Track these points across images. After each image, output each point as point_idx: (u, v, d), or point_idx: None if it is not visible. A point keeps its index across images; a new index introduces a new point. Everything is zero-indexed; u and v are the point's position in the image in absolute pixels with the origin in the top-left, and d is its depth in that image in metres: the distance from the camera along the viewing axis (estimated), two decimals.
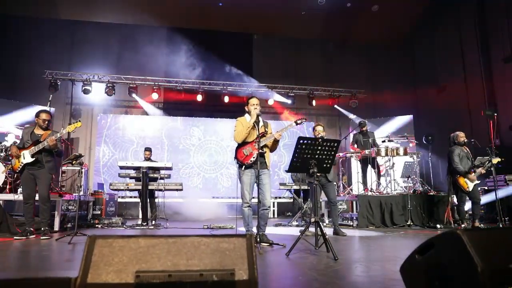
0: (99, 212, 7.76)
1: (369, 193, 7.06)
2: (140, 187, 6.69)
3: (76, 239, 4.24)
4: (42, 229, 4.77)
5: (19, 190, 5.64)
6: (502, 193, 6.60)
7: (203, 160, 10.99)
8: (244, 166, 4.05)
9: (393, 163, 7.50)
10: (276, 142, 4.19)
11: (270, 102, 11.16)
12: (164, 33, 11.64)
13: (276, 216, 10.35)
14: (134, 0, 10.44)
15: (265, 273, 2.59)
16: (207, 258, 1.17)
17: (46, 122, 4.92)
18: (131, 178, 6.98)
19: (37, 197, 4.87)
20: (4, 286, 1.13)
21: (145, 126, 10.95)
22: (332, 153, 3.58)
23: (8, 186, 5.90)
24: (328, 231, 5.33)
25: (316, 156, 3.52)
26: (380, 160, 7.73)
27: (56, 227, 5.60)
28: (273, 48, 12.25)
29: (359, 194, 6.99)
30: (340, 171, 8.88)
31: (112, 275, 1.11)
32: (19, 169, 4.79)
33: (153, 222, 6.68)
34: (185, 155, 10.90)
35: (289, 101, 11.27)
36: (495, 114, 6.35)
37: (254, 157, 3.99)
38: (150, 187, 6.74)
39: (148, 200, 6.81)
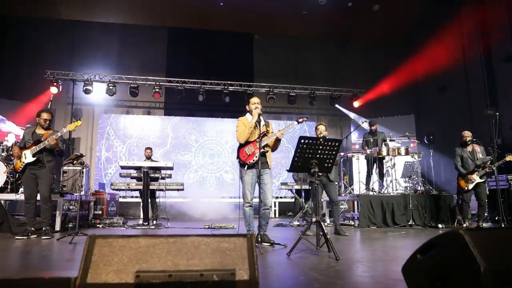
0: (100, 212, 7.77)
1: (371, 193, 7.05)
2: (141, 187, 6.70)
3: (77, 239, 4.25)
4: (43, 229, 4.77)
5: (20, 190, 5.65)
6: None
7: (204, 160, 10.99)
8: (246, 166, 4.05)
9: (394, 163, 7.47)
10: (277, 141, 4.19)
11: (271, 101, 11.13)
12: (165, 33, 11.66)
13: (277, 216, 10.34)
14: (134, 0, 10.44)
15: (266, 273, 2.58)
16: (208, 258, 1.16)
17: (47, 122, 4.92)
18: (132, 178, 6.98)
19: (38, 197, 4.87)
20: (4, 286, 1.12)
21: (146, 126, 10.96)
22: (333, 152, 3.57)
23: (9, 186, 5.90)
24: (329, 231, 5.32)
25: (317, 156, 3.51)
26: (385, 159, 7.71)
27: (57, 227, 5.61)
28: (274, 47, 12.25)
29: (360, 194, 6.98)
30: (342, 171, 8.86)
31: (112, 275, 1.10)
32: (21, 169, 4.79)
33: (154, 222, 6.68)
34: (186, 155, 10.90)
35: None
36: (497, 114, 6.32)
37: (256, 157, 3.98)
38: (151, 187, 6.74)
39: (149, 200, 6.82)
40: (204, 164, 10.98)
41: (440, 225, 6.31)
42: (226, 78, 11.02)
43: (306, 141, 3.45)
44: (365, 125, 8.26)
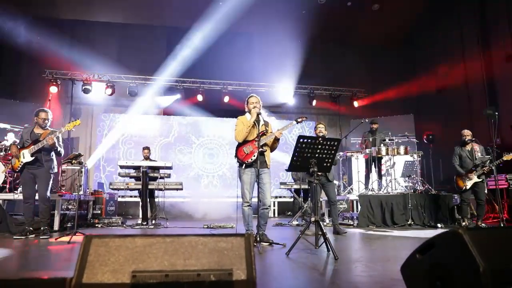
0: (99, 212, 7.75)
1: (370, 193, 7.04)
2: (140, 187, 6.68)
3: (75, 239, 4.24)
4: (42, 228, 4.76)
5: (19, 189, 5.64)
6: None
7: (203, 160, 10.98)
8: (244, 165, 4.04)
9: (394, 163, 7.47)
10: (276, 140, 4.18)
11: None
12: (164, 32, 11.63)
13: (276, 215, 10.33)
14: (134, 0, 10.42)
15: (265, 272, 2.58)
16: (205, 258, 1.15)
17: (46, 121, 4.91)
18: (131, 177, 6.97)
19: (37, 197, 4.86)
20: None
21: (145, 126, 10.94)
22: (332, 152, 3.56)
23: (7, 186, 5.89)
24: (328, 231, 5.31)
25: (316, 155, 3.50)
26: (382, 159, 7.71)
27: (56, 227, 5.59)
28: (273, 47, 12.22)
29: (359, 194, 6.97)
30: (341, 171, 8.86)
31: (108, 275, 1.09)
32: (19, 168, 4.78)
33: (153, 222, 6.67)
34: (185, 155, 10.89)
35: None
36: (496, 113, 6.32)
37: (254, 156, 3.98)
38: (150, 187, 6.73)
39: (148, 200, 6.81)
40: (203, 164, 10.97)
41: (439, 225, 6.31)
42: (225, 77, 11.00)
43: (305, 140, 3.44)
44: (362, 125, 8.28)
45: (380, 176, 7.49)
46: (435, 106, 10.88)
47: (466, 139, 6.08)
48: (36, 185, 4.81)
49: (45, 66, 10.04)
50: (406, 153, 7.16)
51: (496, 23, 8.92)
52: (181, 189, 7.07)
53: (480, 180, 5.92)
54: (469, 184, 5.90)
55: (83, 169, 7.24)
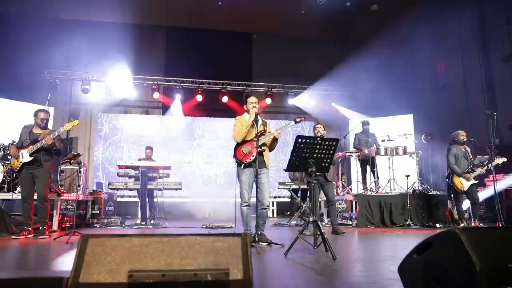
0: (98, 212, 7.74)
1: (368, 193, 7.05)
2: (139, 187, 6.68)
3: (74, 239, 4.23)
4: (40, 228, 4.75)
5: (18, 189, 5.63)
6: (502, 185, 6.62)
7: (202, 160, 10.97)
8: (243, 165, 4.04)
9: (392, 163, 7.46)
10: (275, 140, 4.18)
11: (268, 101, 11.08)
12: (164, 32, 11.63)
13: (275, 215, 10.34)
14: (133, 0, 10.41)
15: (263, 272, 2.58)
16: (201, 258, 1.15)
17: (45, 121, 4.90)
18: (130, 177, 6.96)
19: (35, 197, 4.85)
20: None
21: (144, 126, 10.93)
22: (331, 152, 3.56)
23: (6, 186, 5.88)
24: (327, 231, 5.32)
25: (315, 155, 3.50)
26: (378, 159, 7.71)
27: (55, 227, 5.59)
28: (272, 47, 12.22)
29: (358, 194, 6.97)
30: (340, 171, 8.86)
31: (105, 274, 1.09)
32: (18, 168, 4.78)
33: (152, 222, 6.67)
34: (184, 155, 10.88)
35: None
36: (495, 114, 6.33)
37: (253, 156, 3.98)
38: (149, 187, 6.72)
39: (147, 200, 6.81)
40: (202, 164, 10.97)
41: (437, 225, 6.31)
42: (225, 77, 11.01)
43: (304, 140, 3.44)
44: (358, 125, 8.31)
45: (376, 176, 7.49)
46: (434, 106, 10.88)
47: (464, 140, 6.08)
48: (35, 185, 4.80)
49: (44, 66, 10.03)
50: (405, 153, 7.16)
51: (495, 23, 8.93)
52: (180, 189, 7.07)
53: (476, 182, 5.93)
54: (466, 185, 5.90)
55: (81, 169, 7.23)
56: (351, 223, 6.79)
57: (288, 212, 10.05)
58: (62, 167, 7.20)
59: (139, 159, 7.50)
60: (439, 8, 10.52)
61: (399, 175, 7.50)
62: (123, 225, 6.54)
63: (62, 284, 1.07)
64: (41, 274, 2.13)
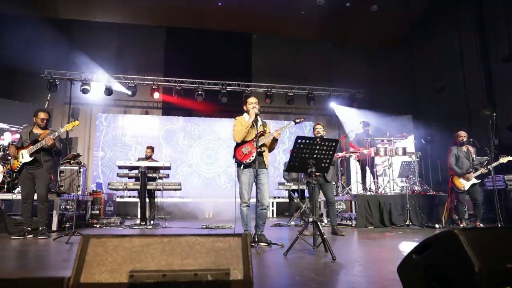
0: (97, 212, 7.75)
1: (368, 193, 7.06)
2: (138, 187, 6.68)
3: (73, 239, 4.23)
4: (40, 228, 4.75)
5: (17, 189, 5.63)
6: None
7: (202, 160, 10.98)
8: (243, 165, 4.04)
9: (391, 163, 7.48)
10: (275, 141, 4.19)
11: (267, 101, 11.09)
12: (163, 32, 11.63)
13: (275, 216, 10.34)
14: (133, 0, 10.41)
15: (262, 273, 2.58)
16: (202, 258, 1.16)
17: (45, 121, 4.90)
18: (129, 177, 6.97)
19: (35, 197, 4.85)
20: None
21: (144, 126, 10.94)
22: (330, 152, 3.57)
23: (6, 186, 5.88)
24: (326, 231, 5.32)
25: (314, 156, 3.51)
26: (378, 160, 7.73)
27: (54, 227, 5.59)
28: (272, 47, 12.24)
29: (358, 194, 6.98)
30: (339, 171, 8.87)
31: (106, 274, 1.10)
32: (18, 168, 4.78)
33: (152, 222, 6.67)
34: (184, 155, 10.89)
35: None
36: (494, 114, 6.34)
37: (253, 156, 3.98)
38: (148, 187, 6.73)
39: (148, 200, 6.81)
40: (202, 164, 10.97)
41: (437, 225, 6.32)
42: (224, 78, 11.02)
43: (303, 141, 3.45)
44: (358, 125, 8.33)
45: (376, 177, 7.50)
46: (433, 106, 10.89)
47: (463, 140, 6.09)
48: (35, 185, 4.81)
49: (44, 66, 10.03)
50: (404, 153, 7.18)
51: (494, 24, 8.94)
52: (180, 189, 7.07)
53: (478, 181, 5.94)
54: (467, 185, 5.92)
55: (81, 169, 7.23)
56: (350, 223, 6.80)
57: (288, 213, 10.05)
58: (62, 168, 7.20)
59: (139, 159, 7.50)
60: (438, 9, 10.54)
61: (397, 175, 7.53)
62: (122, 226, 6.55)
63: (63, 284, 1.08)
64: (42, 274, 2.13)
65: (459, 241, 1.34)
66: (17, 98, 9.78)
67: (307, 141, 3.46)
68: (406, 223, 6.43)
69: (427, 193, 7.05)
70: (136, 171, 6.81)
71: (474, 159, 6.09)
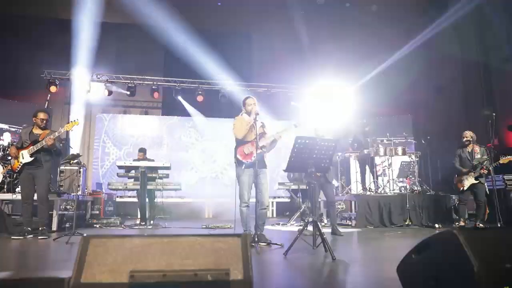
0: (97, 212, 7.75)
1: (368, 193, 7.06)
2: (138, 187, 6.68)
3: (73, 239, 4.22)
4: (40, 229, 4.75)
5: (17, 189, 5.63)
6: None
7: (201, 160, 10.98)
8: (244, 165, 4.04)
9: (391, 163, 7.49)
10: (274, 142, 4.19)
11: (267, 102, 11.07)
12: (162, 32, 11.62)
13: (275, 215, 10.34)
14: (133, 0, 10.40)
15: (262, 272, 2.59)
16: (202, 258, 1.16)
17: (44, 122, 4.90)
18: (129, 177, 6.96)
19: (35, 197, 4.85)
20: None
21: (143, 126, 10.94)
22: (330, 152, 3.57)
23: (6, 186, 5.88)
24: (326, 231, 5.32)
25: (314, 156, 3.51)
26: (377, 160, 7.73)
27: (54, 227, 5.59)
28: (272, 47, 12.22)
29: (357, 194, 6.99)
30: (339, 171, 8.87)
31: (106, 274, 1.10)
32: (18, 169, 4.78)
33: (152, 222, 6.66)
34: (184, 155, 10.89)
35: None
36: (493, 114, 6.35)
37: (254, 157, 3.98)
38: (148, 187, 6.72)
39: (148, 200, 6.81)
40: (202, 164, 10.97)
41: (437, 225, 6.32)
42: (224, 78, 11.01)
43: (303, 141, 3.45)
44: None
45: (376, 176, 7.51)
46: (433, 106, 10.90)
47: (464, 140, 6.10)
48: (35, 186, 4.81)
49: (43, 66, 10.03)
50: (404, 153, 7.18)
51: (494, 23, 8.95)
52: (180, 189, 7.07)
53: (478, 181, 5.93)
54: (466, 184, 5.91)
55: (81, 170, 7.23)
56: (350, 223, 6.80)
57: (288, 213, 10.05)
58: (62, 168, 7.20)
59: (134, 160, 7.50)
60: (438, 9, 10.54)
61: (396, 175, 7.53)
62: (122, 226, 6.54)
63: (64, 284, 1.08)
64: (42, 274, 2.14)
65: (458, 241, 1.35)
66: (17, 98, 9.77)
67: (307, 141, 3.47)
68: (406, 223, 6.43)
69: (427, 193, 7.05)
70: (136, 171, 6.81)
71: (475, 159, 6.09)
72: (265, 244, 3.90)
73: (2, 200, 5.95)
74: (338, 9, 10.36)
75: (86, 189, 8.21)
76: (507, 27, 8.42)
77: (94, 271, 1.10)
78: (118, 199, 9.15)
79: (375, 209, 6.55)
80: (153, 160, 7.39)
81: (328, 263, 2.87)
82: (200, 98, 10.76)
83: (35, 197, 4.85)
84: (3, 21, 10.42)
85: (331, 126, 9.02)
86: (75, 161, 6.66)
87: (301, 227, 4.16)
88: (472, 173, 5.90)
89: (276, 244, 3.88)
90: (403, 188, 7.22)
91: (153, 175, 6.82)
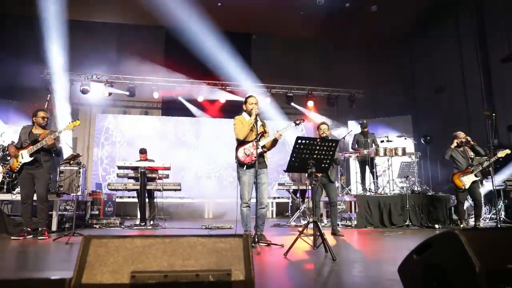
0: (97, 212, 7.74)
1: (368, 193, 7.06)
2: (138, 187, 6.68)
3: (73, 239, 4.23)
4: (40, 229, 4.75)
5: (17, 190, 5.62)
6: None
7: (201, 160, 10.97)
8: (245, 166, 4.04)
9: (391, 163, 7.49)
10: (275, 141, 4.19)
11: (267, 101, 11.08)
12: (163, 32, 11.63)
13: (274, 216, 10.34)
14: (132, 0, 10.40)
15: (262, 273, 2.58)
16: (203, 258, 1.16)
17: (45, 120, 4.89)
18: (129, 178, 6.96)
19: (35, 197, 4.85)
20: None
21: (143, 126, 10.93)
22: (331, 153, 3.57)
23: (5, 186, 5.87)
24: (326, 231, 5.32)
25: (315, 156, 3.51)
26: (377, 160, 7.73)
27: (54, 227, 5.58)
28: (272, 48, 12.23)
29: (357, 194, 6.99)
30: (339, 171, 8.87)
31: (107, 275, 1.10)
32: (18, 168, 4.77)
33: (151, 222, 6.66)
34: (184, 155, 10.88)
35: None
36: (493, 114, 6.35)
37: (255, 157, 3.98)
38: (148, 187, 6.72)
39: (148, 200, 6.81)
40: (202, 164, 10.97)
41: (436, 225, 6.32)
42: (224, 78, 11.02)
43: (303, 141, 3.45)
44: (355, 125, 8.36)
45: (373, 177, 7.51)
46: (433, 107, 10.91)
47: (459, 142, 6.08)
48: (35, 186, 4.80)
49: (44, 66, 10.03)
50: (404, 154, 7.18)
51: (493, 24, 8.96)
52: (179, 189, 7.07)
53: (478, 178, 5.93)
54: (467, 182, 5.90)
55: (81, 170, 7.22)
56: (350, 223, 6.80)
57: (288, 213, 10.06)
58: (62, 168, 7.19)
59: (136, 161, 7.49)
60: (438, 9, 10.55)
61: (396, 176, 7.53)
62: (122, 226, 6.54)
63: (65, 285, 1.08)
64: (42, 275, 2.13)
65: (459, 242, 1.35)
66: (16, 98, 9.77)
67: (307, 141, 3.47)
68: (406, 224, 6.43)
69: (427, 193, 7.06)
70: (136, 171, 6.81)
71: (473, 157, 6.09)
72: (265, 244, 3.90)
73: (2, 200, 5.95)
74: (338, 9, 10.34)
75: (85, 189, 8.20)
76: (507, 27, 8.42)
77: (95, 272, 1.10)
78: (117, 200, 9.13)
79: (375, 209, 6.56)
80: (153, 161, 7.38)
81: (328, 264, 2.87)
82: (200, 98, 10.77)
83: (35, 197, 4.84)
84: (3, 21, 10.42)
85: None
86: (75, 161, 6.65)
87: (301, 228, 4.16)
88: (472, 170, 5.89)
89: (276, 244, 3.88)
90: (403, 189, 7.21)
91: (153, 175, 6.83)
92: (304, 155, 3.49)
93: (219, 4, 10.33)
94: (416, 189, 7.27)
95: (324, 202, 7.15)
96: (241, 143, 4.10)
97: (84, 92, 10.23)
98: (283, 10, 10.47)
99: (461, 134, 6.13)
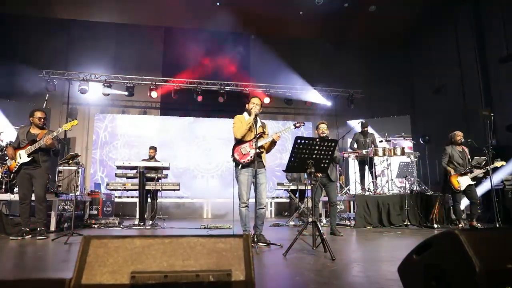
0: (96, 212, 7.72)
1: (367, 193, 7.07)
2: (137, 187, 6.67)
3: (72, 240, 4.22)
4: (38, 229, 4.74)
5: (15, 190, 5.60)
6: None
7: (200, 160, 10.96)
8: (241, 165, 4.04)
9: (390, 163, 7.50)
10: (273, 143, 4.18)
11: (266, 100, 11.06)
12: (161, 32, 11.62)
13: (273, 216, 10.34)
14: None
15: (262, 273, 2.58)
16: (203, 259, 1.16)
17: (42, 120, 4.88)
18: (128, 178, 6.95)
19: (33, 197, 4.83)
20: None
21: (142, 126, 10.92)
22: (330, 153, 3.57)
23: (3, 186, 5.85)
24: (325, 231, 5.32)
25: (314, 156, 3.51)
26: (376, 160, 7.75)
27: (53, 227, 5.57)
28: (271, 47, 12.22)
29: (356, 194, 7.00)
30: (338, 171, 8.88)
31: (107, 276, 1.09)
32: (15, 169, 4.75)
33: (150, 222, 6.65)
34: (182, 155, 10.87)
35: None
36: (492, 114, 6.37)
37: (251, 156, 3.98)
38: (147, 187, 6.71)
39: (150, 201, 6.81)
40: (201, 164, 10.96)
41: (435, 225, 6.33)
42: (223, 78, 11.01)
43: (302, 141, 3.45)
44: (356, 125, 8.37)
45: (372, 177, 7.52)
46: (431, 107, 10.94)
47: (458, 139, 6.10)
48: (33, 186, 4.78)
49: (41, 66, 10.00)
50: (402, 154, 7.19)
51: (491, 25, 8.98)
52: (178, 189, 7.07)
53: (473, 183, 5.96)
54: (463, 185, 5.92)
55: (79, 170, 7.20)
56: (349, 223, 6.80)
57: (287, 213, 10.06)
58: (60, 168, 7.17)
59: (143, 160, 7.48)
60: (436, 9, 10.57)
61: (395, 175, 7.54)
62: (121, 226, 6.53)
63: (65, 286, 1.07)
64: (41, 275, 2.13)
65: (459, 242, 1.35)
66: (14, 98, 9.74)
67: (307, 141, 3.47)
68: (405, 223, 6.45)
69: (426, 193, 7.07)
70: (135, 171, 6.80)
71: (470, 159, 6.11)
72: (264, 244, 3.90)
73: (0, 200, 5.92)
74: (337, 9, 10.34)
75: (84, 189, 8.18)
76: (505, 27, 8.44)
77: (95, 272, 1.09)
78: (116, 200, 9.12)
79: (374, 209, 6.57)
80: (159, 161, 7.39)
81: (328, 264, 2.87)
82: (199, 98, 10.76)
83: (33, 197, 4.83)
84: (2, 21, 10.38)
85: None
86: (74, 161, 6.64)
87: (301, 228, 4.16)
88: (470, 173, 5.91)
89: (275, 244, 3.88)
90: (402, 188, 7.22)
91: (152, 175, 6.82)
92: (303, 155, 3.49)
93: (218, 4, 10.32)
94: (415, 189, 7.28)
95: (323, 202, 7.16)
96: (238, 142, 4.09)
97: (82, 92, 10.20)
98: (282, 10, 10.47)
99: (459, 133, 6.15)
